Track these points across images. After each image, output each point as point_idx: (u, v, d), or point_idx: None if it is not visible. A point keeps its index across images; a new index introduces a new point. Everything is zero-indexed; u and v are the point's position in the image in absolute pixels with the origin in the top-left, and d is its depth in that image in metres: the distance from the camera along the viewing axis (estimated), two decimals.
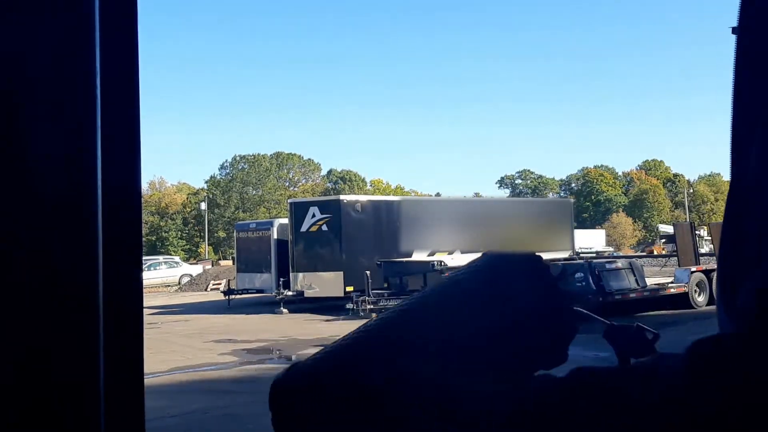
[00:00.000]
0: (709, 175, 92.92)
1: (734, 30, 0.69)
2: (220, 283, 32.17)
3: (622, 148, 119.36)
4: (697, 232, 25.49)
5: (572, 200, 38.15)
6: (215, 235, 72.85)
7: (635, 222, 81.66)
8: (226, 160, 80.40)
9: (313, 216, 23.44)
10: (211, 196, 73.02)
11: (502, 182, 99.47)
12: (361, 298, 19.53)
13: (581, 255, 27.06)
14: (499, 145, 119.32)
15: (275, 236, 25.44)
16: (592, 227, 64.24)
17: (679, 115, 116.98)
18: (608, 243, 52.99)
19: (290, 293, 23.13)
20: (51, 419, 0.60)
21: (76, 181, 0.62)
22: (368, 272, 19.80)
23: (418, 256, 22.08)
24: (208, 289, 35.65)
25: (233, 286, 26.32)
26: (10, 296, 0.59)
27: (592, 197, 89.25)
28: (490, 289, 0.65)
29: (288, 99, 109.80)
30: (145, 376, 0.66)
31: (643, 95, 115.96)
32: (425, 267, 19.69)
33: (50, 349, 0.60)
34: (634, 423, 0.56)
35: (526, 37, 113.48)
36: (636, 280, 18.18)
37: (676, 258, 22.02)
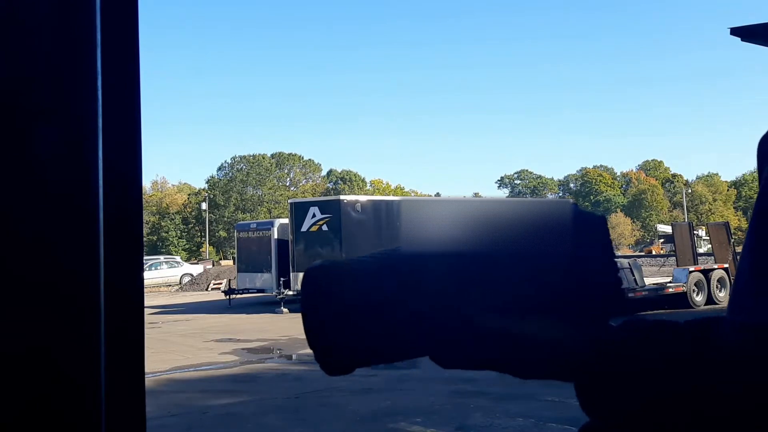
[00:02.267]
0: (707, 176, 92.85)
1: (733, 31, 0.70)
2: (220, 283, 32.14)
3: (621, 149, 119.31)
4: (695, 232, 25.43)
5: (571, 200, 38.10)
6: (216, 234, 72.79)
7: (634, 222, 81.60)
8: (225, 161, 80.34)
9: (314, 216, 23.44)
10: (211, 196, 72.94)
11: (501, 182, 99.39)
12: None
13: None
14: (498, 145, 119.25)
15: (276, 236, 25.43)
16: None
17: (678, 115, 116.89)
18: None
19: (291, 293, 23.13)
20: (51, 419, 0.60)
21: (76, 180, 0.62)
22: None
23: None
24: (209, 289, 35.63)
25: (234, 286, 26.33)
26: (10, 295, 0.59)
27: (591, 197, 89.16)
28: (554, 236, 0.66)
29: (289, 99, 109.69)
30: (145, 376, 0.67)
31: (642, 96, 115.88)
32: None
33: (51, 348, 0.60)
34: (687, 377, 0.57)
35: (526, 38, 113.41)
36: (635, 279, 18.18)
37: (674, 258, 21.99)
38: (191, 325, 19.90)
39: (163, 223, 73.91)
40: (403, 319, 0.65)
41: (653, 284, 19.25)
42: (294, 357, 13.69)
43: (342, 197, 25.36)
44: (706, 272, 19.60)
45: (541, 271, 0.65)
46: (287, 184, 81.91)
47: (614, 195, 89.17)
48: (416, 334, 0.65)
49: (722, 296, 19.63)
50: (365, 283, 0.66)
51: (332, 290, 0.66)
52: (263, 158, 79.26)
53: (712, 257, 22.33)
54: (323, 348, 0.66)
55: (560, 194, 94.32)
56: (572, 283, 0.65)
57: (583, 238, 0.66)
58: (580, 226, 0.66)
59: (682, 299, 18.56)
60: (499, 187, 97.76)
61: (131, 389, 0.64)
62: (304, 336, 0.65)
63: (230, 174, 78.55)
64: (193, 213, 74.15)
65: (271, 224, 26.58)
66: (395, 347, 0.67)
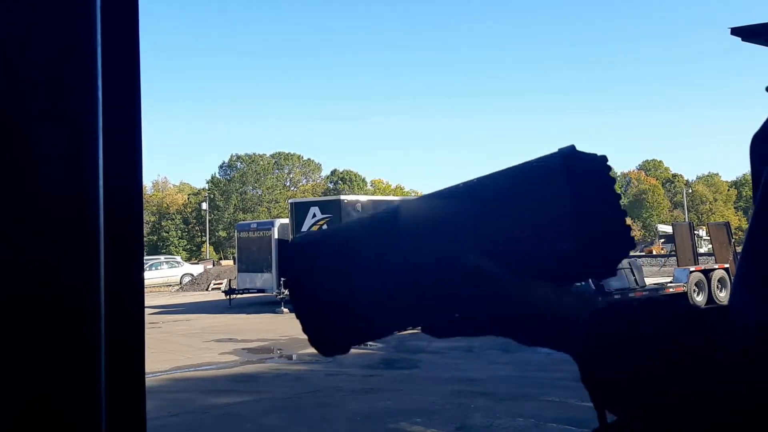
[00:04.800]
0: (707, 176, 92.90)
1: (733, 31, 0.69)
2: (221, 283, 32.14)
3: (621, 149, 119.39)
4: (695, 232, 25.43)
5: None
6: (216, 234, 72.80)
7: (634, 222, 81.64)
8: (224, 162, 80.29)
9: (314, 216, 23.44)
10: (212, 196, 72.96)
11: None
12: None
13: None
14: (498, 145, 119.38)
15: (276, 236, 25.44)
16: None
17: (678, 114, 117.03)
18: None
19: None
20: (52, 419, 0.60)
21: (77, 181, 0.62)
22: None
23: None
24: (209, 289, 35.63)
25: (234, 286, 26.33)
26: (11, 296, 0.59)
27: None
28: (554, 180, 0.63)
29: (290, 98, 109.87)
30: (146, 376, 0.67)
31: (642, 95, 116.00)
32: None
33: (51, 348, 0.60)
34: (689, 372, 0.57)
35: (526, 37, 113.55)
36: (635, 279, 18.18)
37: (675, 258, 22.01)
38: (191, 325, 19.90)
39: (163, 223, 73.93)
40: (394, 289, 0.63)
41: (654, 284, 19.26)
42: (294, 357, 13.69)
43: (342, 197, 25.37)
44: (707, 272, 19.61)
45: (542, 230, 0.61)
46: (287, 184, 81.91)
47: None
48: (409, 301, 0.64)
49: (723, 296, 19.64)
50: (352, 257, 0.65)
51: (320, 267, 0.65)
52: (261, 157, 79.27)
53: (713, 257, 22.33)
54: (318, 328, 0.65)
55: None
56: (577, 239, 0.61)
57: (585, 188, 0.62)
58: (578, 176, 0.62)
59: (682, 299, 18.58)
60: None
61: (131, 389, 0.64)
62: (303, 336, 0.65)
63: (229, 174, 78.54)
64: (193, 213, 74.16)
65: (272, 224, 26.59)
66: (389, 319, 0.65)
